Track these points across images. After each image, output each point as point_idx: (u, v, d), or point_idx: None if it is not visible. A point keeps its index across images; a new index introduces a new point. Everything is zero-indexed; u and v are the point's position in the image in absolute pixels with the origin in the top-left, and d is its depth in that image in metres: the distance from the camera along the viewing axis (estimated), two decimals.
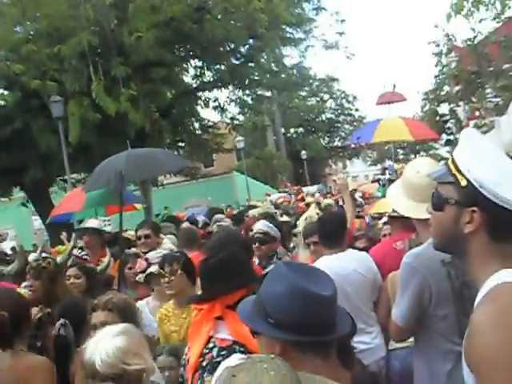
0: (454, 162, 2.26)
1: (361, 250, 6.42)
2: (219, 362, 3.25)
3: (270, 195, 23.84)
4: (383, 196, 9.60)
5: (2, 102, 22.70)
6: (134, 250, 8.18)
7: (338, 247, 5.70)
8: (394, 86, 17.32)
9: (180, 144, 30.08)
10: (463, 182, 2.19)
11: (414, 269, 3.71)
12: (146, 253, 7.63)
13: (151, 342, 5.09)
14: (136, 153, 10.54)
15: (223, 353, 3.61)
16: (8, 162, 22.54)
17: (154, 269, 6.29)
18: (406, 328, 3.94)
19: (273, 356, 2.11)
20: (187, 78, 29.54)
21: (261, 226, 7.45)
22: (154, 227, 8.50)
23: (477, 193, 2.14)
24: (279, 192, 28.36)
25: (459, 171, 2.21)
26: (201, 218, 12.41)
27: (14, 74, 21.46)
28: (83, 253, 8.03)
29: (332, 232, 5.76)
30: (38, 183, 23.54)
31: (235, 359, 2.07)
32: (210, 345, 3.72)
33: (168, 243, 8.70)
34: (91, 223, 9.43)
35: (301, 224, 10.46)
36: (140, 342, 3.50)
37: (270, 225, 7.47)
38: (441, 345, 3.73)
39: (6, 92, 22.29)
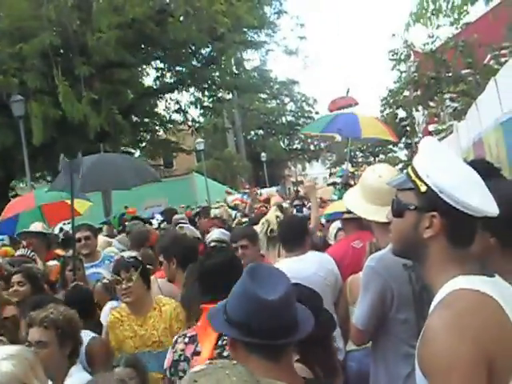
0: (413, 168, 2.28)
1: None
2: None
3: (230, 193, 23.82)
4: (340, 199, 9.54)
5: None
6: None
7: (298, 250, 5.67)
8: (348, 91, 17.01)
9: (140, 144, 29.95)
10: (423, 188, 2.20)
11: (377, 272, 3.70)
12: (86, 255, 7.64)
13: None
14: (101, 163, 10.74)
15: None
16: None
17: (109, 276, 6.22)
18: (367, 331, 3.91)
19: (235, 362, 2.10)
20: (149, 80, 29.50)
21: (217, 234, 7.43)
22: (93, 229, 8.30)
23: (436, 198, 2.16)
24: (239, 193, 28.39)
25: (419, 177, 2.22)
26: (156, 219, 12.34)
27: None
28: (32, 253, 7.83)
29: (292, 235, 5.74)
30: None
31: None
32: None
33: (117, 245, 8.76)
34: (33, 227, 9.03)
35: (259, 225, 10.44)
36: (31, 368, 3.21)
37: (227, 232, 7.60)
38: (400, 348, 3.75)
39: None
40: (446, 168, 2.21)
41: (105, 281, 6.57)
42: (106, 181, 10.73)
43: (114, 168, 11.07)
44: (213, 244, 7.10)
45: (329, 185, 11.09)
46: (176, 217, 12.28)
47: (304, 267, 5.46)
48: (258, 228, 9.08)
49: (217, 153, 46.83)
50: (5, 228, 11.36)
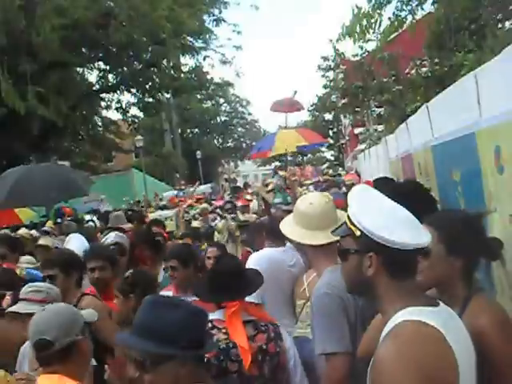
0: (348, 216, 2.43)
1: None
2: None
3: (157, 195, 23.77)
4: (285, 200, 9.64)
5: None
6: None
7: (281, 242, 5.84)
8: (295, 93, 16.44)
9: (80, 140, 29.60)
10: (357, 233, 2.34)
11: (332, 296, 3.59)
12: None
13: None
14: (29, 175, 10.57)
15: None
16: None
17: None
18: (347, 352, 3.58)
19: None
20: (91, 79, 29.18)
21: (112, 237, 6.73)
22: (11, 244, 7.27)
23: (369, 240, 2.29)
24: (176, 190, 28.22)
25: (353, 224, 2.37)
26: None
27: None
28: None
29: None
30: None
31: None
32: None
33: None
34: None
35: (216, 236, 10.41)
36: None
37: (122, 235, 7.09)
38: None
39: None
40: (371, 211, 2.35)
41: None
42: (31, 197, 10.36)
43: (39, 183, 10.58)
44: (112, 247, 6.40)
45: (269, 191, 11.16)
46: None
47: (286, 258, 5.58)
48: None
49: (155, 150, 46.51)
50: None
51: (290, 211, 4.50)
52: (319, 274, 3.88)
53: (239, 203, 13.11)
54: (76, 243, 7.37)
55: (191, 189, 18.58)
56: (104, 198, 26.96)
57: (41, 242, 8.39)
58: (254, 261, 5.72)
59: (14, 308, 4.40)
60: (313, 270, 5.02)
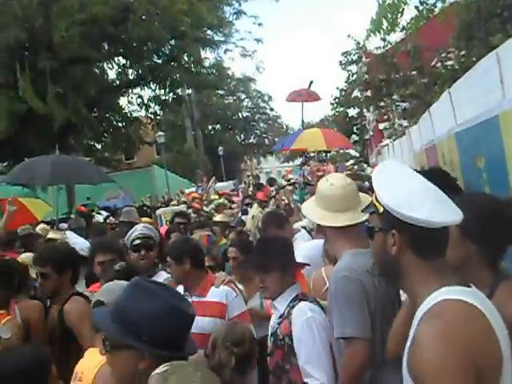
0: (374, 193, 2.37)
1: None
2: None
3: (183, 192, 23.68)
4: (301, 199, 9.53)
5: None
6: None
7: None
8: (311, 83, 16.35)
9: (103, 138, 29.69)
10: (381, 210, 2.30)
11: (353, 280, 3.55)
12: None
13: None
14: (62, 159, 10.51)
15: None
16: None
17: None
18: (368, 339, 3.53)
19: (189, 362, 2.20)
20: (111, 75, 29.28)
21: (141, 229, 6.37)
22: None
23: (392, 216, 2.23)
24: (198, 186, 28.18)
25: (377, 200, 2.32)
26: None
27: None
28: None
29: None
30: None
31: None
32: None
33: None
34: None
35: (248, 222, 10.20)
36: None
37: (151, 227, 6.79)
38: None
39: None
40: (394, 187, 2.29)
41: None
42: (73, 175, 10.48)
43: (75, 165, 10.79)
44: (137, 242, 6.02)
45: (290, 184, 11.11)
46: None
47: (317, 254, 5.50)
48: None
49: (176, 146, 46.53)
50: None
51: None
52: (338, 257, 3.80)
53: (258, 198, 13.02)
54: (78, 239, 7.26)
55: (208, 185, 18.50)
56: (123, 194, 27.10)
57: (50, 235, 8.34)
58: (306, 250, 5.74)
59: None
60: (333, 267, 4.95)
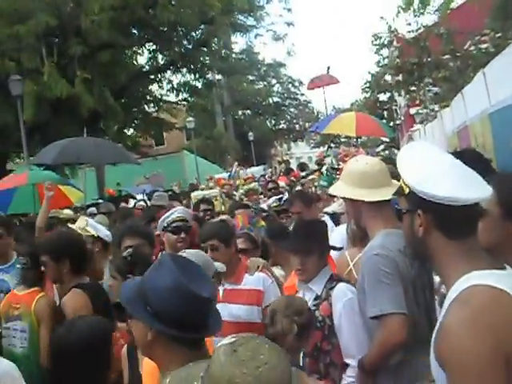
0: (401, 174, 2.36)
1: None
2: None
3: (211, 178, 23.57)
4: (330, 184, 9.34)
5: None
6: None
7: None
8: (329, 68, 16.42)
9: (133, 123, 29.80)
10: (406, 190, 2.26)
11: (387, 258, 3.54)
12: None
13: None
14: (92, 140, 10.64)
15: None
16: None
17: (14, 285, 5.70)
18: (405, 316, 3.49)
19: (255, 335, 2.13)
20: (141, 61, 29.32)
21: (180, 212, 6.32)
22: (6, 224, 6.66)
23: (417, 197, 2.19)
24: (227, 172, 28.14)
25: (403, 181, 2.29)
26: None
27: None
28: None
29: None
30: None
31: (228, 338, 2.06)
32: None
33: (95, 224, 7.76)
34: None
35: (334, 205, 10.04)
36: None
37: (188, 210, 6.80)
38: None
39: None
40: (418, 166, 2.24)
41: (1, 295, 5.63)
42: (83, 155, 10.45)
43: (91, 145, 10.72)
44: (177, 224, 5.95)
45: (315, 171, 11.01)
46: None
47: None
48: None
49: (206, 132, 46.56)
50: None
51: None
52: (372, 236, 3.76)
53: (282, 183, 12.95)
54: (99, 226, 7.18)
55: (232, 171, 18.40)
56: (153, 180, 27.21)
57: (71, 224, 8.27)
58: (339, 233, 5.70)
59: None
60: (357, 250, 4.89)
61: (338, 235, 5.68)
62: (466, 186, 2.14)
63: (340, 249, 4.82)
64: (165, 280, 2.46)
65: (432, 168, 2.20)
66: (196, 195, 12.92)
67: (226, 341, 1.99)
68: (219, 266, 4.21)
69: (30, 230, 7.83)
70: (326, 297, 4.20)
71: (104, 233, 6.55)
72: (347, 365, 3.98)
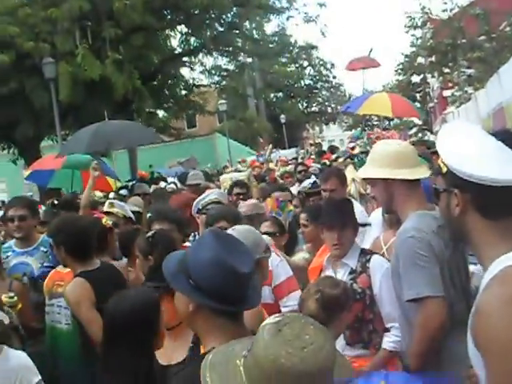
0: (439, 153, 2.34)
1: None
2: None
3: (244, 161, 23.51)
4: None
5: None
6: None
7: None
8: (371, 51, 16.09)
9: (165, 105, 29.86)
10: (444, 169, 2.24)
11: (422, 240, 3.48)
12: (19, 238, 6.08)
13: None
14: (118, 124, 10.67)
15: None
16: (1, 119, 22.52)
17: (37, 269, 5.79)
18: (444, 298, 3.45)
19: (300, 314, 2.15)
20: (173, 44, 29.32)
21: (216, 194, 6.35)
22: (31, 205, 6.50)
23: (454, 176, 2.17)
24: (259, 155, 28.07)
25: (441, 161, 2.26)
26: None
27: (9, 36, 21.43)
28: None
29: None
30: (29, 139, 23.51)
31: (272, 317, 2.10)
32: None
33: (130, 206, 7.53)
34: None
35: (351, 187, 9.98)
36: None
37: (224, 193, 6.82)
38: None
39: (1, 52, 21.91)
40: (456, 145, 2.20)
41: (25, 280, 5.59)
42: (114, 141, 10.51)
43: (119, 129, 10.78)
44: (210, 206, 5.98)
45: (346, 158, 10.86)
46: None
47: None
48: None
49: (238, 114, 46.47)
50: (39, 177, 11.43)
51: None
52: (404, 218, 3.72)
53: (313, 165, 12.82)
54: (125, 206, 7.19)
55: (266, 153, 18.29)
56: (186, 162, 27.27)
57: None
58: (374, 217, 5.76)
59: None
60: (391, 233, 4.84)
61: (373, 219, 5.64)
62: (506, 167, 2.09)
63: (367, 225, 5.04)
64: (206, 254, 2.53)
65: (473, 148, 2.15)
66: (223, 178, 12.90)
67: (271, 320, 1.98)
68: (268, 239, 4.35)
69: (68, 209, 7.90)
70: (362, 270, 4.41)
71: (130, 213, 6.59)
72: (389, 330, 4.24)
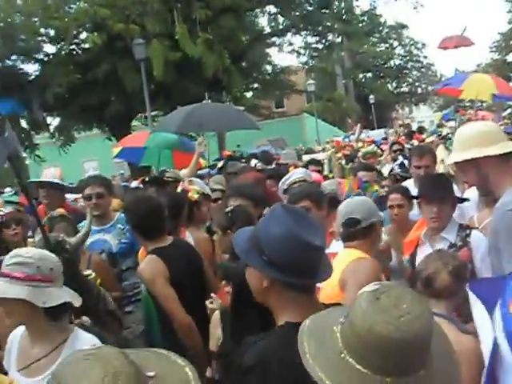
0: None
1: None
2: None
3: (332, 141, 23.29)
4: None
5: (88, 46, 23.18)
6: (61, 210, 5.96)
7: None
8: (465, 29, 15.42)
9: (252, 86, 29.91)
10: None
11: None
12: (96, 216, 5.80)
13: None
14: (213, 106, 10.90)
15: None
16: (95, 99, 23.14)
17: (115, 245, 5.80)
18: None
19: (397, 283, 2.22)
20: (262, 23, 29.32)
21: (301, 173, 6.18)
22: (107, 183, 6.46)
23: None
24: (347, 135, 27.81)
25: None
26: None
27: (101, 19, 21.87)
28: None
29: None
30: (121, 118, 24.13)
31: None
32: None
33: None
34: (49, 175, 7.35)
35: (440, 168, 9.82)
36: None
37: (310, 172, 6.65)
38: None
39: (94, 34, 22.42)
40: None
41: (103, 257, 5.59)
42: (207, 123, 10.57)
43: (214, 112, 10.69)
44: (296, 185, 5.84)
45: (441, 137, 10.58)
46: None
47: None
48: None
49: (327, 94, 46.08)
50: (130, 155, 11.62)
51: None
52: (501, 193, 3.55)
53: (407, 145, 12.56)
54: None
55: (354, 134, 18.02)
56: (274, 142, 27.28)
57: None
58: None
59: None
60: (486, 213, 4.66)
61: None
62: None
63: (466, 200, 4.87)
64: (278, 229, 2.49)
65: None
66: (305, 159, 12.84)
67: (369, 288, 1.97)
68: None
69: (157, 185, 8.01)
70: (463, 244, 4.38)
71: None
72: None
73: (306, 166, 9.63)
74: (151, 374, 1.77)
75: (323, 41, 29.99)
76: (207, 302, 4.22)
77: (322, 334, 2.05)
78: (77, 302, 3.29)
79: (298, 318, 2.35)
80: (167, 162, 10.19)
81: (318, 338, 2.04)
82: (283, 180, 6.23)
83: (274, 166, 11.43)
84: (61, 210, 5.80)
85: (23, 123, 24.61)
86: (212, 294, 4.26)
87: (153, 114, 23.72)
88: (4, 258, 3.26)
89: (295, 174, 6.16)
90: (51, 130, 26.01)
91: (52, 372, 1.79)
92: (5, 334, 3.54)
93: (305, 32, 29.17)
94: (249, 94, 31.81)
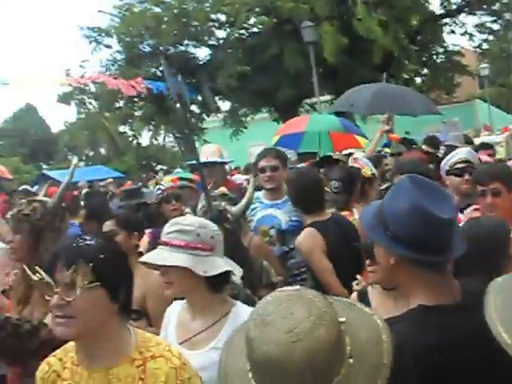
0: None
1: None
2: None
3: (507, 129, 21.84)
4: None
5: (257, 30, 23.52)
6: (222, 189, 5.75)
7: None
8: None
9: (422, 71, 29.01)
10: None
11: None
12: (270, 190, 5.90)
13: None
14: (387, 88, 10.42)
15: None
16: (264, 84, 23.43)
17: (285, 223, 5.75)
18: None
19: None
20: (434, 5, 28.35)
21: (464, 153, 5.73)
22: (283, 156, 6.29)
23: None
24: None
25: None
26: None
27: (270, 2, 22.12)
28: None
29: None
30: (289, 104, 24.19)
31: None
32: None
33: None
34: (207, 152, 7.21)
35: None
36: None
37: (474, 152, 6.13)
38: None
39: (263, 17, 22.65)
40: None
41: (272, 233, 5.62)
42: (393, 105, 10.22)
43: (400, 94, 10.38)
44: (458, 166, 5.50)
45: None
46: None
47: None
48: None
49: (501, 79, 43.98)
50: (289, 142, 11.47)
51: None
52: None
53: None
54: None
55: None
56: (447, 128, 26.23)
57: None
58: None
59: (146, 257, 3.23)
60: None
61: None
62: None
63: None
64: (403, 203, 2.37)
65: None
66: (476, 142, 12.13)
67: None
68: None
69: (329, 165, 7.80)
70: None
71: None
72: None
73: (476, 149, 9.13)
74: (342, 319, 1.84)
75: (499, 21, 28.32)
76: (354, 284, 4.08)
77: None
78: (238, 272, 3.24)
79: (432, 300, 2.32)
80: (327, 145, 9.97)
81: (506, 297, 1.89)
82: (445, 161, 5.85)
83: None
84: (222, 189, 5.69)
85: (193, 107, 25.31)
86: (357, 276, 4.09)
87: (322, 98, 23.58)
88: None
89: (458, 154, 5.73)
90: (222, 115, 26.55)
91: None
92: (161, 311, 3.54)
93: (479, 12, 27.76)
94: (418, 80, 30.90)
